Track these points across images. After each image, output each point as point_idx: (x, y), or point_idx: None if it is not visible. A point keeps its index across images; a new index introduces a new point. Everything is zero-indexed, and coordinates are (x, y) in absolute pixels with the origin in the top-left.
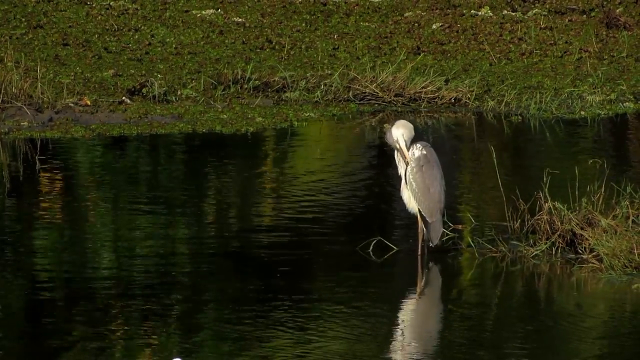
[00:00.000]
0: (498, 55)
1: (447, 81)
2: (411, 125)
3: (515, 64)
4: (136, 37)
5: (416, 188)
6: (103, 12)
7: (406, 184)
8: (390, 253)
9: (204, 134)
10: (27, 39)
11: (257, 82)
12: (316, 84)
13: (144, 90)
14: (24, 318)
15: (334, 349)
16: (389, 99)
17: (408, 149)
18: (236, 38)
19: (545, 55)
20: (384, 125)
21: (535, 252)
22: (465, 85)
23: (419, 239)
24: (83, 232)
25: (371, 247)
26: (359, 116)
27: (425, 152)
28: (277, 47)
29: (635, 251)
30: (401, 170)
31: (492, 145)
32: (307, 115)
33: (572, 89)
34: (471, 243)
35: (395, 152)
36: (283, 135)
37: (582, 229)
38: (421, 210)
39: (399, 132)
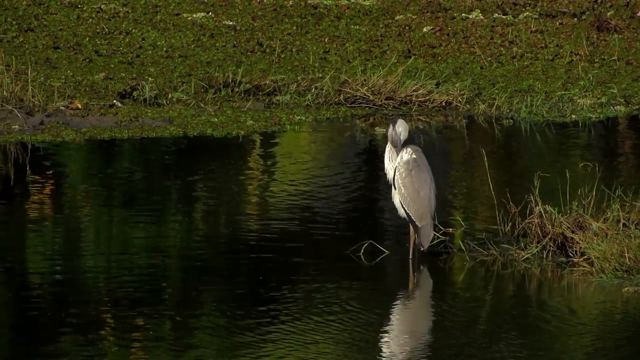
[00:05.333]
0: (489, 59)
1: (438, 84)
2: (407, 126)
3: (506, 67)
4: (127, 40)
5: (405, 192)
6: (94, 16)
7: (395, 188)
8: (381, 257)
9: (195, 137)
10: (17, 42)
11: (248, 85)
12: (307, 88)
13: (134, 93)
14: (15, 322)
15: (324, 352)
16: (380, 103)
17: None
18: (227, 41)
19: (536, 58)
20: (391, 117)
21: (526, 256)
22: (456, 89)
23: (410, 243)
24: (74, 236)
25: (362, 251)
26: (351, 119)
27: (415, 156)
28: (268, 50)
29: (626, 254)
30: (390, 174)
31: (483, 149)
32: (298, 118)
33: (563, 92)
34: (462, 246)
35: (386, 152)
36: (274, 138)
37: (573, 232)
38: (411, 214)
39: (400, 131)
